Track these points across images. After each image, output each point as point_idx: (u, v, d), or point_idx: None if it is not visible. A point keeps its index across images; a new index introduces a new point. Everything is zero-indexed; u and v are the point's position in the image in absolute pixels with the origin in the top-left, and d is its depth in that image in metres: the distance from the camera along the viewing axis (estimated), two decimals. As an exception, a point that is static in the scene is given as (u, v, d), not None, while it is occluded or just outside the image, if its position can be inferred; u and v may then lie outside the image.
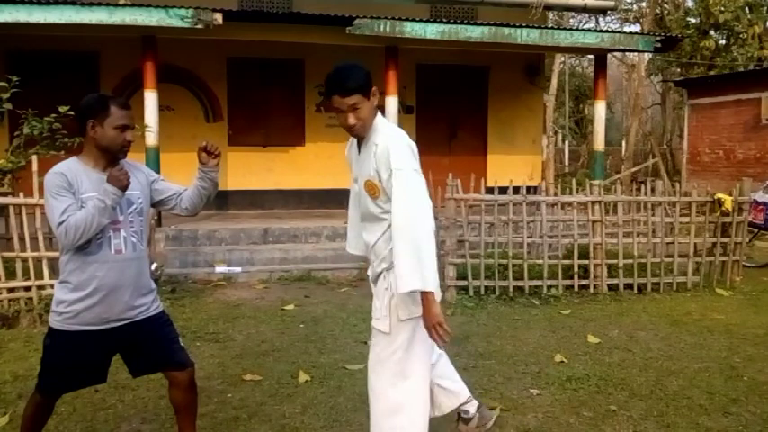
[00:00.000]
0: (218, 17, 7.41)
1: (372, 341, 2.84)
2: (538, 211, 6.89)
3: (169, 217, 8.28)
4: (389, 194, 2.56)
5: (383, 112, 8.71)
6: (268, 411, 3.71)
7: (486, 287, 6.50)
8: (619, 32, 10.39)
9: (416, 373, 2.74)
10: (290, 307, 6.10)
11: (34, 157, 5.64)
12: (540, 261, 6.68)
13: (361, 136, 2.66)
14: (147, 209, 2.81)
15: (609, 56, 10.99)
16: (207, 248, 7.92)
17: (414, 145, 2.65)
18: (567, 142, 26.34)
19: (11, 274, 5.47)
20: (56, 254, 2.71)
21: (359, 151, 2.74)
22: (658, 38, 9.05)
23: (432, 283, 2.48)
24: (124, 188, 2.57)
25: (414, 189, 2.52)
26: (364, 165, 2.66)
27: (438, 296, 2.59)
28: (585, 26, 23.33)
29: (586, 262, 6.77)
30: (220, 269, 7.48)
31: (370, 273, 2.88)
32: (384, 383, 2.75)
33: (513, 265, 6.58)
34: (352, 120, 2.56)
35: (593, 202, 6.89)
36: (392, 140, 2.57)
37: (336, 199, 10.31)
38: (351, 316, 5.82)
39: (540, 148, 12.40)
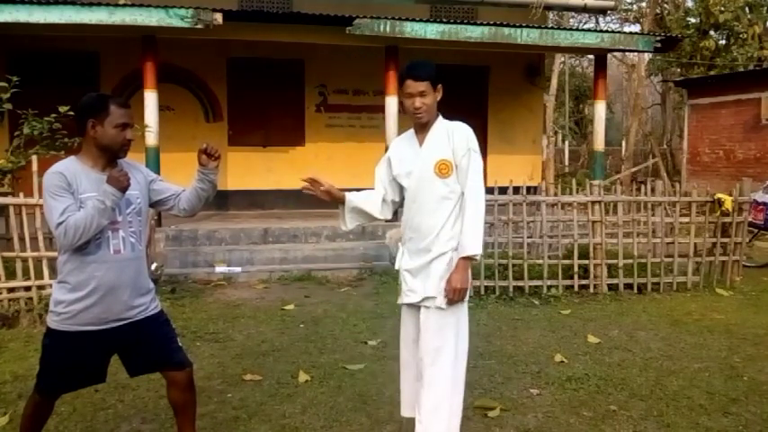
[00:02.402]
0: (218, 17, 7.41)
1: (425, 328, 2.95)
2: (538, 211, 6.89)
3: (169, 217, 8.28)
4: (459, 172, 2.94)
5: (383, 113, 8.79)
6: (268, 411, 3.70)
7: (485, 287, 6.50)
8: (619, 32, 10.39)
9: (464, 356, 3.04)
10: (290, 307, 6.10)
11: (34, 157, 5.64)
12: (540, 261, 6.68)
13: (422, 120, 2.97)
14: (146, 209, 2.81)
15: (609, 56, 11.00)
16: (207, 248, 7.92)
17: None
18: (567, 142, 26.33)
19: (11, 274, 5.47)
20: (56, 254, 2.70)
21: (419, 144, 3.00)
22: (658, 38, 9.06)
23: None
24: (124, 189, 2.56)
25: (481, 172, 2.99)
26: (434, 148, 2.97)
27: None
28: (585, 26, 23.32)
29: (586, 262, 6.77)
30: (220, 269, 7.48)
31: (416, 262, 2.99)
32: (446, 371, 2.93)
33: (513, 265, 6.58)
34: (418, 103, 2.90)
35: (593, 202, 6.89)
36: (466, 128, 3.01)
37: (336, 199, 10.30)
38: (351, 316, 5.81)
39: (539, 148, 12.40)
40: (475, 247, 2.92)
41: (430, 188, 2.97)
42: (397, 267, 3.12)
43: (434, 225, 2.96)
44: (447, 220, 2.96)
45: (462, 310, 3.01)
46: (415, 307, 3.02)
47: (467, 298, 3.00)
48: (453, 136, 2.96)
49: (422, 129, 3.01)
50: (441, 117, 3.02)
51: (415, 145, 3.04)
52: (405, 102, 2.95)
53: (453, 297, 2.90)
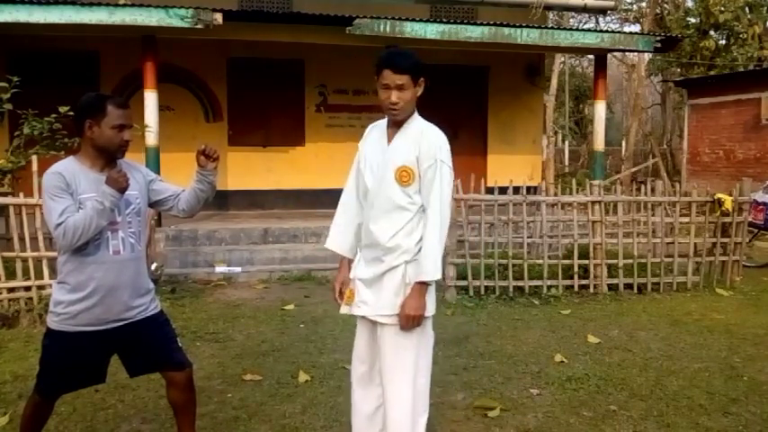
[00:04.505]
0: (218, 17, 7.41)
1: (382, 343, 2.73)
2: (538, 211, 6.89)
3: (169, 217, 8.25)
4: (422, 184, 2.63)
5: (383, 113, 8.79)
6: (268, 411, 3.70)
7: (486, 287, 6.50)
8: (619, 32, 10.40)
9: (427, 371, 2.81)
10: (290, 307, 6.10)
11: (34, 157, 5.64)
12: (540, 261, 6.68)
13: (398, 118, 2.67)
14: (145, 209, 2.81)
15: (609, 56, 10.99)
16: (207, 248, 7.92)
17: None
18: (567, 142, 26.32)
19: (11, 274, 5.47)
20: (56, 254, 2.70)
21: (388, 140, 2.71)
22: (658, 38, 9.05)
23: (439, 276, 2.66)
24: (123, 190, 2.56)
25: (449, 187, 2.67)
26: (399, 151, 2.65)
27: (434, 309, 2.76)
28: (585, 26, 23.32)
29: (586, 262, 6.77)
30: (220, 269, 7.48)
31: (369, 273, 2.73)
32: (405, 390, 2.73)
33: (513, 265, 6.57)
34: (395, 97, 2.59)
35: (593, 202, 6.89)
36: (439, 134, 2.68)
37: (336, 199, 10.21)
38: (351, 316, 5.79)
39: (540, 148, 12.40)
40: (432, 273, 2.60)
41: (388, 193, 2.65)
42: (351, 276, 2.82)
43: (387, 234, 2.66)
44: (400, 230, 2.65)
45: (423, 325, 2.72)
46: (370, 320, 2.77)
47: (429, 319, 2.75)
48: (422, 142, 2.62)
49: (395, 124, 2.71)
50: (416, 115, 2.71)
51: (384, 140, 2.73)
52: (380, 94, 2.62)
53: (406, 325, 2.63)
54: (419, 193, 2.64)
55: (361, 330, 2.88)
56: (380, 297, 2.70)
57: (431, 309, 2.74)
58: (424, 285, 2.63)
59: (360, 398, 2.91)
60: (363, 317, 2.80)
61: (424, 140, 2.62)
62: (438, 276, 2.63)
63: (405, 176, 2.63)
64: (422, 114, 2.75)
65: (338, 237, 2.91)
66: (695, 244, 7.19)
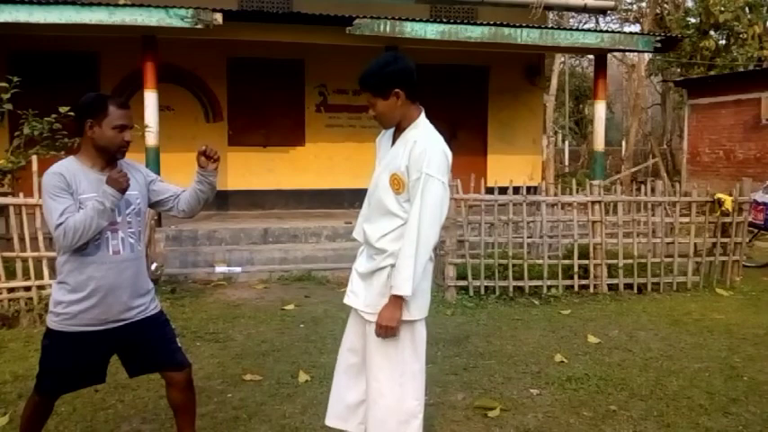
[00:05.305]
0: (218, 17, 7.41)
1: (368, 340, 2.73)
2: (538, 211, 6.89)
3: (169, 217, 8.23)
4: (411, 196, 2.57)
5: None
6: (268, 411, 3.70)
7: (486, 287, 6.50)
8: (619, 32, 10.40)
9: (419, 373, 2.76)
10: (290, 307, 6.10)
11: (34, 157, 5.64)
12: (540, 261, 6.68)
13: (383, 126, 2.73)
14: (145, 209, 2.81)
15: (609, 56, 11.00)
16: (207, 248, 7.92)
17: (449, 153, 2.65)
18: (567, 142, 26.34)
19: (11, 274, 5.47)
20: (56, 254, 2.70)
21: (392, 142, 2.71)
22: (658, 38, 9.06)
23: (412, 293, 2.59)
24: (123, 190, 2.56)
25: (436, 200, 2.55)
26: (396, 157, 2.63)
27: (422, 313, 2.71)
28: (585, 26, 23.34)
29: (586, 262, 6.77)
30: (220, 269, 7.48)
31: (364, 267, 2.76)
32: (388, 388, 2.70)
33: (513, 265, 6.57)
34: (370, 111, 2.67)
35: (593, 202, 6.89)
36: (431, 144, 2.58)
37: (336, 199, 10.33)
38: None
39: (539, 148, 12.40)
40: (403, 289, 2.53)
41: (381, 197, 2.64)
42: (353, 267, 2.86)
43: (375, 236, 2.66)
44: (387, 234, 2.63)
45: (412, 328, 2.69)
46: (360, 315, 2.77)
47: (419, 321, 2.72)
48: (411, 152, 2.55)
49: (398, 128, 2.69)
50: (419, 122, 2.65)
51: (390, 142, 2.74)
52: None
53: (379, 333, 2.61)
54: (410, 202, 2.59)
55: (354, 322, 2.86)
56: (368, 294, 2.72)
57: (417, 313, 2.68)
58: (399, 297, 2.57)
59: (344, 387, 2.89)
60: (356, 311, 2.80)
61: (414, 151, 2.55)
62: (409, 293, 2.54)
63: (396, 184, 2.60)
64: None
65: (359, 227, 2.93)
66: (695, 244, 7.19)
